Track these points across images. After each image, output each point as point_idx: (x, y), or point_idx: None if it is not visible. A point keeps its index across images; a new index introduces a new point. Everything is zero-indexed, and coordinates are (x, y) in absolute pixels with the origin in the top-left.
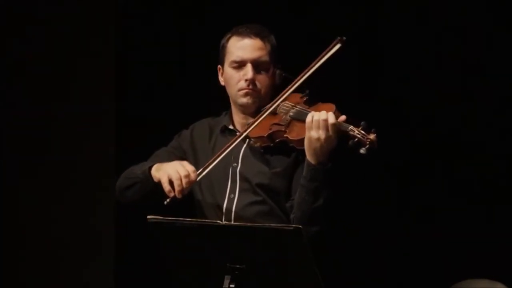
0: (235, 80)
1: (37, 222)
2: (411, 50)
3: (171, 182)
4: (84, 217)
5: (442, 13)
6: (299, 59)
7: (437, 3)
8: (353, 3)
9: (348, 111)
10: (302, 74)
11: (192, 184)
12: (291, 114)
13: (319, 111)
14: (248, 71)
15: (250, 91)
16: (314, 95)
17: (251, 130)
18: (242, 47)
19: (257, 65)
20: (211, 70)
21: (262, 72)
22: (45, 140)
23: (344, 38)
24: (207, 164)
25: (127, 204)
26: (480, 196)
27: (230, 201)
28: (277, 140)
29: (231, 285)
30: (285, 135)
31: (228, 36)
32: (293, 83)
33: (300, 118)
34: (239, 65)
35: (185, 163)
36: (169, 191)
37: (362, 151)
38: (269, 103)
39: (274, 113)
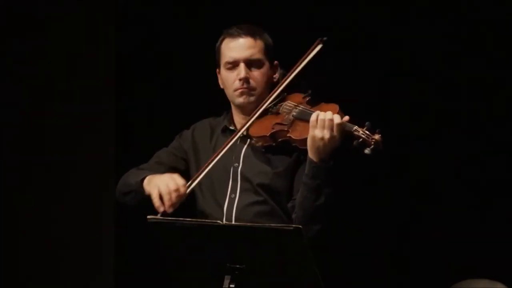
0: (230, 81)
1: (37, 222)
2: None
3: (161, 197)
4: (84, 217)
5: (443, 13)
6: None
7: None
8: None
9: (349, 111)
10: (285, 78)
11: (182, 198)
12: (294, 113)
13: (323, 111)
14: (241, 70)
15: (245, 90)
16: (315, 95)
17: (237, 138)
18: (234, 48)
19: (250, 64)
20: (212, 70)
21: (256, 69)
22: (45, 140)
23: (325, 38)
24: (197, 174)
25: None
26: (480, 196)
27: (231, 201)
28: (280, 140)
29: (231, 285)
30: (288, 135)
31: (221, 38)
32: (276, 87)
33: (303, 118)
34: (233, 65)
35: (176, 176)
36: (158, 207)
37: (366, 151)
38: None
39: (276, 112)
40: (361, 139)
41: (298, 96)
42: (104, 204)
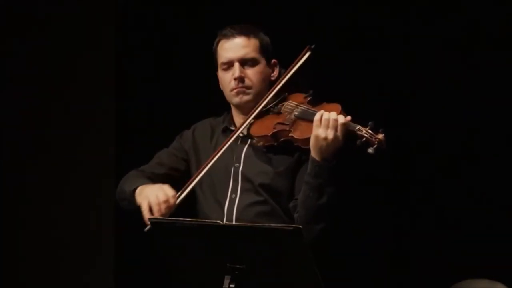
0: (226, 81)
1: (37, 222)
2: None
3: (151, 209)
4: (84, 217)
5: (442, 13)
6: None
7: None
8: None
9: (351, 111)
10: (275, 85)
11: (171, 209)
12: (296, 113)
13: (326, 111)
14: (235, 70)
15: (240, 89)
16: (316, 95)
17: (234, 138)
18: (228, 48)
19: (245, 63)
20: (212, 70)
21: (251, 68)
22: (45, 140)
23: (313, 46)
24: (188, 183)
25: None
26: (480, 196)
27: (232, 201)
28: (282, 139)
29: (231, 285)
30: (290, 134)
31: (216, 40)
32: (266, 95)
33: (305, 118)
34: (228, 66)
35: (166, 187)
36: (147, 220)
37: (370, 150)
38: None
39: (278, 112)
40: (364, 139)
41: (300, 96)
42: (104, 204)
